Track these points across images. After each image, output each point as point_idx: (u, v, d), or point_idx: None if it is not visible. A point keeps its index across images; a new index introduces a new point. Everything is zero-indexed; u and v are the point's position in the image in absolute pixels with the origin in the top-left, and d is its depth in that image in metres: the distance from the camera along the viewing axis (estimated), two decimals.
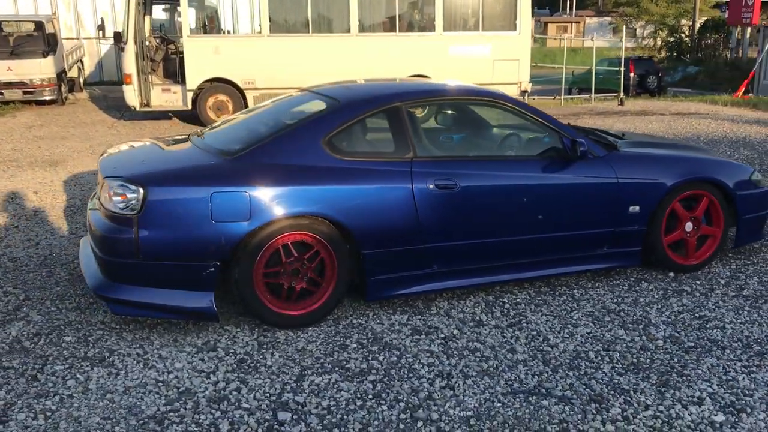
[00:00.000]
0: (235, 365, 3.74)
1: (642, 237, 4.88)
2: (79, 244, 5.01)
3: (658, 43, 35.12)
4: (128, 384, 3.55)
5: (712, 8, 36.34)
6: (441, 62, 13.40)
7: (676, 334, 4.07)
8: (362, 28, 13.39)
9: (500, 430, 3.12)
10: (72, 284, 4.90)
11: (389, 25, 13.63)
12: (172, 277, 3.97)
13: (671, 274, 5.01)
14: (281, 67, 13.02)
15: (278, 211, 3.99)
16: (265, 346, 3.95)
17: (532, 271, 4.67)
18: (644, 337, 4.03)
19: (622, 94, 17.13)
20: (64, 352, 3.90)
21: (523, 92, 13.62)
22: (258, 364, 3.74)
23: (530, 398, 3.38)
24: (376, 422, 3.19)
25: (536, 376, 3.59)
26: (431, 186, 4.28)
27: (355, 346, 3.96)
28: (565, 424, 3.16)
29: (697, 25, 31.74)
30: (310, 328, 4.16)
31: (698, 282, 4.89)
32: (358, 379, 3.58)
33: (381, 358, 3.80)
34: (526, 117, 4.73)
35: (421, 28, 13.89)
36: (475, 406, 3.31)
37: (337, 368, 3.70)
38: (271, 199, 4.00)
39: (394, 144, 4.37)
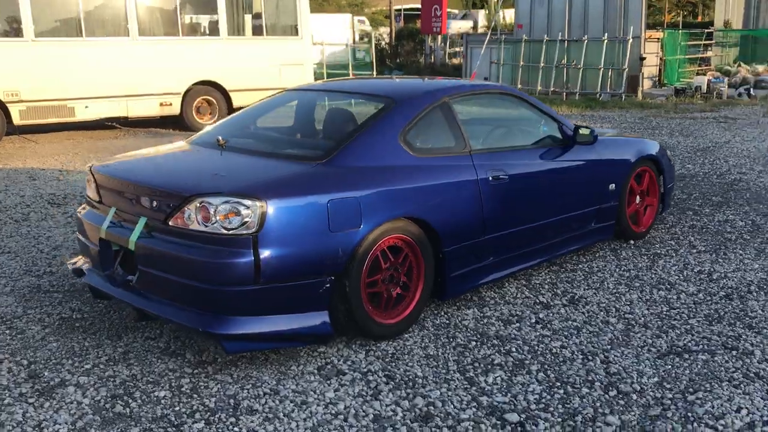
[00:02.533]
0: (386, 381, 3.46)
1: (615, 211, 5.49)
2: (85, 278, 4.10)
3: None
4: (314, 424, 3.11)
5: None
6: (228, 67, 13.01)
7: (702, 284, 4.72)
8: (143, 32, 12.37)
9: (692, 387, 3.39)
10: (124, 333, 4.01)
11: (172, 29, 12.79)
12: (288, 300, 3.52)
13: (631, 242, 5.70)
14: (51, 76, 11.51)
15: (382, 215, 3.79)
16: (389, 360, 3.71)
17: (548, 254, 4.98)
18: (684, 293, 4.60)
19: None
20: (197, 414, 3.24)
21: None
22: (407, 378, 3.51)
23: (680, 356, 3.70)
24: (590, 403, 3.26)
25: (659, 339, 3.92)
26: (490, 177, 4.38)
27: (475, 343, 3.91)
28: (731, 371, 3.54)
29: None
30: (408, 336, 4.00)
31: (658, 245, 5.64)
32: (525, 370, 3.58)
33: (513, 348, 3.82)
34: (532, 108, 5.03)
35: (205, 33, 13.29)
36: (653, 372, 3.54)
37: (490, 365, 3.64)
38: (375, 203, 3.78)
39: (453, 139, 4.38)
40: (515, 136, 5.09)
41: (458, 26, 34.74)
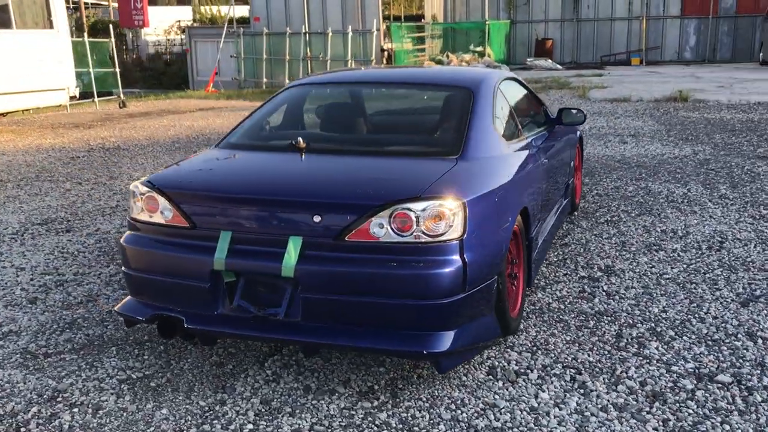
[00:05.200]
0: (566, 371, 3.42)
1: (572, 187, 5.93)
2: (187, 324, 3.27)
3: None
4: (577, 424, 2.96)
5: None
6: None
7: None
8: None
9: None
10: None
11: None
12: (474, 306, 3.25)
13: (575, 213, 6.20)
14: None
15: (518, 205, 3.72)
16: (541, 351, 3.64)
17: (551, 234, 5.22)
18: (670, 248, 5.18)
19: (122, 95, 16.61)
20: None
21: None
22: (582, 366, 3.50)
23: (756, 302, 4.21)
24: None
25: (725, 290, 4.39)
26: (544, 160, 4.49)
27: (595, 322, 4.00)
28: None
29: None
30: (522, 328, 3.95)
31: (599, 213, 6.22)
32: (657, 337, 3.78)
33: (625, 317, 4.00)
34: (530, 93, 5.20)
35: None
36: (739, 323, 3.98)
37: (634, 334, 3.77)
38: (513, 194, 3.68)
39: (513, 125, 4.36)
40: (532, 120, 5.21)
41: (175, 19, 32.54)
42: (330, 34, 18.40)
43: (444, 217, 3.01)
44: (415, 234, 3.00)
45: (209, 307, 3.26)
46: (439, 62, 21.72)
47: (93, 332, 4.00)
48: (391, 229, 3.00)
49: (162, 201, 3.35)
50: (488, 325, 3.36)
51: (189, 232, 3.29)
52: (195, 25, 24.59)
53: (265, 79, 19.12)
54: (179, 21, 31.15)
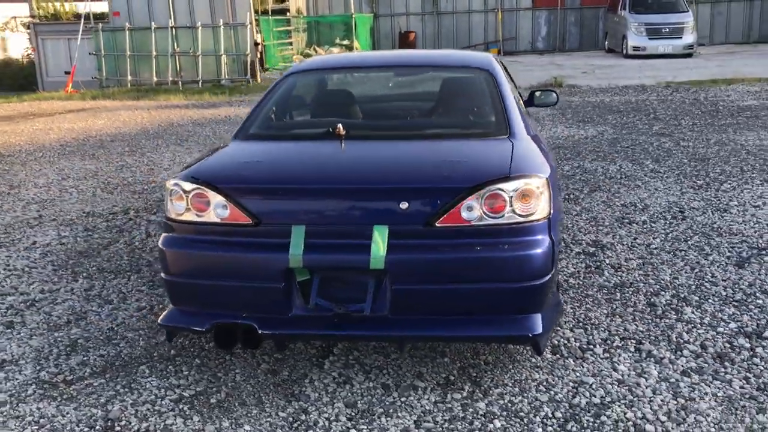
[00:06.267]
0: (621, 350, 3.50)
1: None
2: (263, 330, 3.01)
3: None
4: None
5: None
6: None
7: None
8: None
9: None
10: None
11: None
12: (554, 285, 3.24)
13: None
14: None
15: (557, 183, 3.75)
16: (588, 332, 3.71)
17: None
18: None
19: None
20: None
21: None
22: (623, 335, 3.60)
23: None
24: None
25: (714, 254, 4.66)
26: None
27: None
28: None
29: None
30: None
31: None
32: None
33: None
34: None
35: None
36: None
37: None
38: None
39: (521, 105, 4.39)
40: None
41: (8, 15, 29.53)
42: (200, 28, 17.64)
43: (533, 196, 2.96)
44: (507, 215, 2.93)
45: (282, 309, 3.01)
46: (308, 56, 21.51)
47: (107, 352, 3.58)
48: (483, 210, 2.91)
49: (215, 197, 3.04)
50: (559, 302, 3.36)
51: (253, 230, 3.01)
52: (36, 21, 22.64)
53: (129, 77, 17.99)
54: (15, 17, 28.58)
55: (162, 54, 17.96)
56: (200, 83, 17.68)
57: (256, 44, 18.18)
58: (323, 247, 2.95)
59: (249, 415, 2.98)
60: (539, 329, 2.95)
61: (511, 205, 2.92)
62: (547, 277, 2.99)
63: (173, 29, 18.03)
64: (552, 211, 3.04)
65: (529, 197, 2.95)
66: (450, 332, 2.96)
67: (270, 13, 21.37)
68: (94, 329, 3.86)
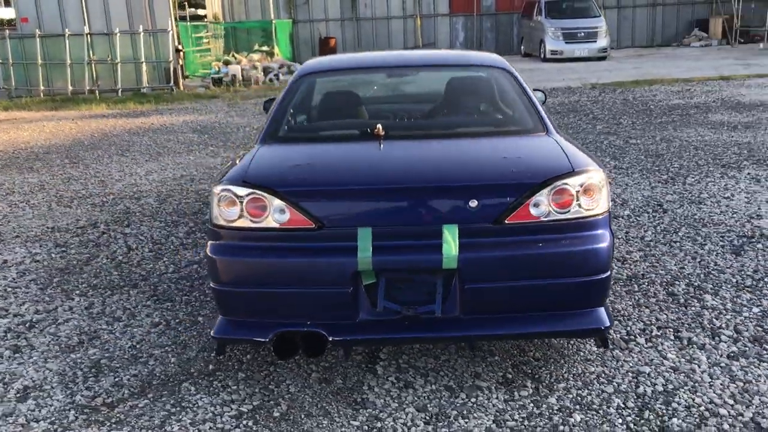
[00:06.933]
0: (662, 339, 3.60)
1: None
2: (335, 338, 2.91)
3: None
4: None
5: None
6: None
7: None
8: None
9: None
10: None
11: None
12: None
13: None
14: None
15: None
16: (624, 323, 3.79)
17: None
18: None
19: None
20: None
21: None
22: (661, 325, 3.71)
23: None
24: None
25: (708, 244, 4.86)
26: None
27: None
28: None
29: None
30: None
31: None
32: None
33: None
34: None
35: None
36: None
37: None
38: None
39: None
40: None
41: None
42: (117, 34, 16.96)
43: (596, 190, 2.99)
44: (573, 210, 2.94)
45: (350, 314, 2.91)
46: (228, 63, 21.09)
47: (138, 372, 3.37)
48: (551, 206, 2.91)
49: (274, 202, 2.91)
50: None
51: (316, 234, 2.90)
52: None
53: (42, 87, 17.08)
54: None
55: (77, 62, 17.16)
56: (119, 92, 17.01)
57: (178, 51, 17.64)
58: (392, 248, 2.88)
59: (320, 426, 2.87)
60: (608, 321, 2.98)
61: (578, 200, 2.94)
62: (610, 270, 3.02)
63: (89, 36, 17.26)
64: (610, 205, 3.08)
65: (593, 192, 2.98)
66: (522, 329, 2.94)
67: (188, 19, 20.83)
68: (114, 348, 3.63)
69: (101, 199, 6.89)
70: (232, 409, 3.01)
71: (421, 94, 4.17)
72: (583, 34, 19.79)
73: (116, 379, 3.30)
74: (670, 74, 15.42)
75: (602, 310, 3.02)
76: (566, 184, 2.93)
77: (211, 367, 3.37)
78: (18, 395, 3.19)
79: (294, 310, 2.93)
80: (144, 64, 17.16)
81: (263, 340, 2.92)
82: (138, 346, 3.63)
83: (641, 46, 24.36)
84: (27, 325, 3.95)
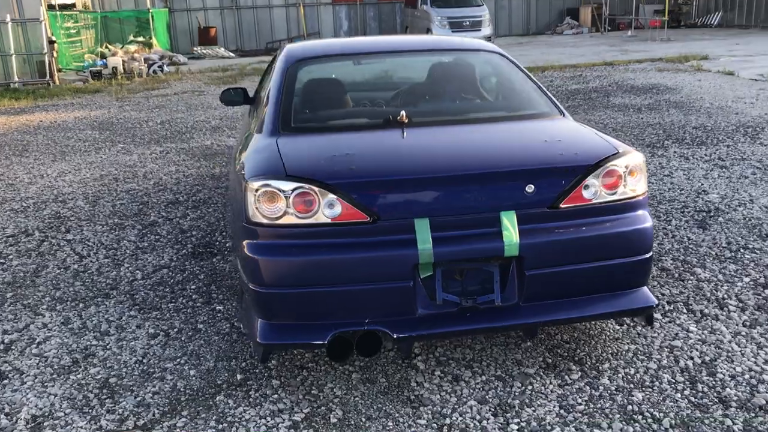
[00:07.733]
0: (677, 312, 3.73)
1: None
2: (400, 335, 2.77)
3: None
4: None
5: None
6: None
7: None
8: None
9: None
10: None
11: None
12: None
13: None
14: None
15: None
16: None
17: None
18: None
19: None
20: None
21: None
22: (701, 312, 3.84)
23: None
24: None
25: (674, 220, 5.06)
26: None
27: None
28: None
29: None
30: None
31: None
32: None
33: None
34: None
35: None
36: None
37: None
38: None
39: None
40: None
41: None
42: None
43: (639, 171, 3.03)
44: (620, 191, 2.96)
45: (409, 309, 2.79)
46: (102, 55, 19.93)
47: (158, 388, 3.09)
48: (603, 188, 2.92)
49: (326, 195, 2.73)
50: None
51: (372, 227, 2.75)
52: None
53: None
54: None
55: None
56: None
57: (51, 42, 16.41)
58: (451, 238, 2.77)
59: (386, 428, 2.73)
60: (655, 300, 3.03)
61: (624, 181, 2.96)
62: (652, 250, 3.06)
63: None
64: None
65: (637, 172, 3.01)
66: (580, 313, 2.93)
67: (56, 8, 19.44)
68: (117, 365, 3.30)
69: (20, 204, 6.27)
70: (284, 419, 2.81)
71: (422, 80, 4.07)
72: (468, 23, 20.24)
73: (137, 399, 3.00)
74: (559, 61, 16.08)
75: (646, 289, 3.06)
76: (614, 165, 2.94)
77: (239, 376, 3.13)
78: (30, 426, 2.83)
79: (351, 309, 2.77)
80: (13, 57, 15.84)
81: (322, 342, 2.74)
82: (145, 361, 3.32)
83: (518, 34, 25.30)
84: (2, 348, 3.51)
